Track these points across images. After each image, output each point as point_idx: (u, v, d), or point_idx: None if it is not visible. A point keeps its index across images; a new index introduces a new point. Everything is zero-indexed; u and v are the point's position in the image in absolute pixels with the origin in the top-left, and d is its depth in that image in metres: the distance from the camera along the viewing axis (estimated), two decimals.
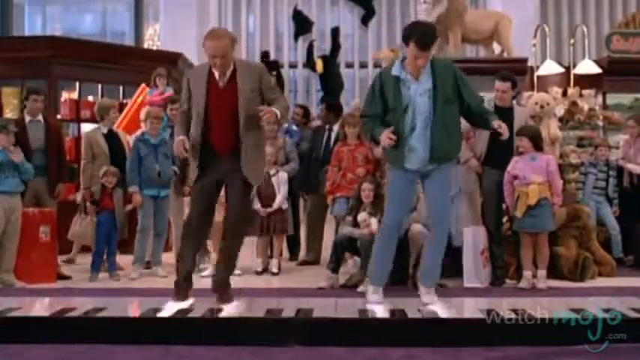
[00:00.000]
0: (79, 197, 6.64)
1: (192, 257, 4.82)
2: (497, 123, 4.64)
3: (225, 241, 4.77)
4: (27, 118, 6.28)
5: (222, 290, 4.73)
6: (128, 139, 7.08)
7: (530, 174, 5.50)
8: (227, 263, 4.80)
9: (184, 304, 4.58)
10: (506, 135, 4.68)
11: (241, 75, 4.56)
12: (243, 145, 4.56)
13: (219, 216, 6.28)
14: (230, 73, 4.56)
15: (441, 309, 4.44)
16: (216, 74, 4.56)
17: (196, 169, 4.65)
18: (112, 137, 6.81)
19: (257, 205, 6.29)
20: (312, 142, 7.23)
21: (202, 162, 4.63)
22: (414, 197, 4.91)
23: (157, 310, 4.46)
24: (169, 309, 4.47)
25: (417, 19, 9.58)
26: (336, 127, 7.13)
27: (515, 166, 5.59)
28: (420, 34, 4.46)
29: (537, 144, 5.61)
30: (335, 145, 6.75)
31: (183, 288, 4.72)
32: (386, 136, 4.53)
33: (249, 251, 6.38)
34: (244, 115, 4.53)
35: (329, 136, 7.11)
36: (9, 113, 8.16)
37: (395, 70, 4.61)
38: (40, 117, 6.32)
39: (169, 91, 7.47)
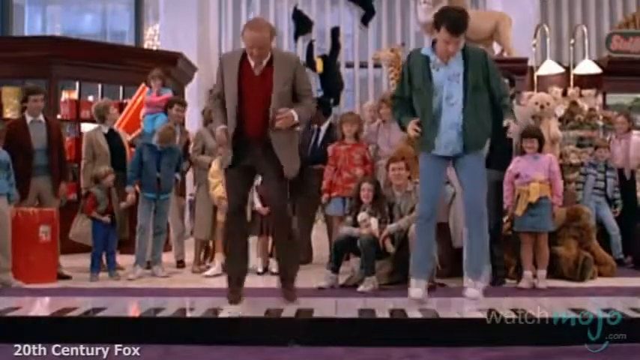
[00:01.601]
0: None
1: (241, 253, 4.77)
2: (507, 122, 4.61)
3: (280, 239, 4.82)
4: (28, 119, 6.28)
5: (288, 287, 4.74)
6: (128, 139, 7.09)
7: (533, 172, 5.52)
8: (290, 258, 4.82)
9: (236, 308, 4.52)
10: (512, 135, 4.69)
11: (277, 65, 4.54)
12: (274, 135, 4.52)
13: (221, 215, 6.30)
14: (266, 62, 4.54)
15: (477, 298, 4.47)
16: (252, 63, 4.54)
17: (230, 155, 4.62)
18: (112, 137, 6.81)
19: (257, 204, 6.28)
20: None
21: (236, 148, 4.60)
22: (443, 184, 4.86)
23: (158, 309, 4.45)
24: (226, 311, 4.43)
25: (417, 18, 9.59)
26: (323, 128, 7.09)
27: (518, 165, 5.61)
28: (451, 19, 4.47)
29: (541, 144, 5.65)
30: (323, 145, 6.75)
31: (235, 290, 4.68)
32: (411, 127, 4.57)
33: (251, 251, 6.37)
34: (277, 104, 4.49)
35: (317, 136, 7.09)
36: (9, 113, 8.17)
37: (424, 51, 4.63)
38: (41, 117, 6.32)
39: (168, 93, 7.47)
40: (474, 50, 4.70)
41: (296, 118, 4.50)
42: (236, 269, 4.75)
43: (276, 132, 4.52)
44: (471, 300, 4.59)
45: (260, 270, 6.39)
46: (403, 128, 4.83)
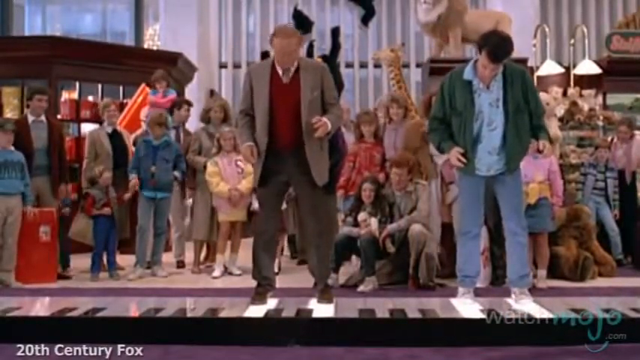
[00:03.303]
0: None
1: (268, 260, 4.75)
2: (542, 143, 4.62)
3: (318, 245, 4.73)
4: (30, 118, 6.30)
5: (322, 290, 4.70)
6: (131, 138, 7.09)
7: (533, 172, 5.52)
8: (322, 265, 4.78)
9: (262, 307, 4.50)
10: (545, 156, 4.73)
11: (304, 73, 4.53)
12: (307, 143, 4.49)
13: (222, 215, 6.31)
14: (294, 70, 4.53)
15: (534, 310, 4.31)
16: (280, 71, 4.52)
17: (261, 170, 4.59)
18: (115, 137, 6.82)
19: (255, 205, 6.28)
20: None
21: (267, 162, 4.57)
22: (483, 199, 4.81)
23: (158, 309, 4.45)
24: (250, 312, 4.42)
25: (417, 18, 9.59)
26: None
27: None
28: (492, 46, 4.38)
29: None
30: None
31: (260, 292, 4.66)
32: (455, 157, 4.55)
33: (249, 251, 6.37)
34: (307, 113, 4.47)
35: None
36: (9, 113, 8.17)
37: (467, 75, 4.54)
38: (43, 117, 6.33)
39: (173, 94, 7.47)
40: (512, 70, 4.58)
41: (329, 127, 4.46)
42: (263, 274, 4.73)
43: (309, 141, 4.49)
44: (520, 307, 4.46)
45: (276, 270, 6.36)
46: (442, 151, 4.83)
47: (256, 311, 4.40)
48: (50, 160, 6.26)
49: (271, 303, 4.63)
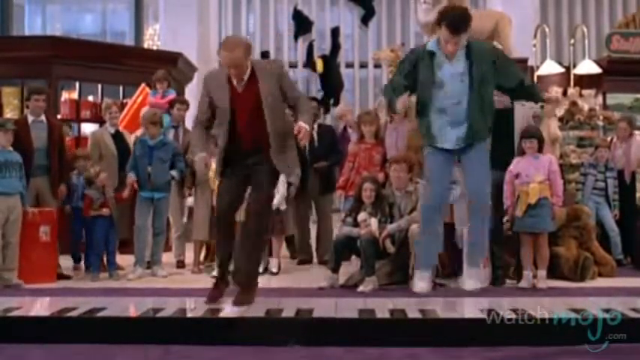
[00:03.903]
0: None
1: (227, 254, 4.80)
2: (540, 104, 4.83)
3: (244, 233, 4.69)
4: (30, 118, 6.29)
5: (242, 289, 4.66)
6: (132, 138, 7.10)
7: (533, 172, 5.52)
8: (248, 257, 4.71)
9: (217, 305, 4.52)
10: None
11: (260, 78, 4.54)
12: (272, 144, 4.55)
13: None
14: (247, 77, 4.54)
15: (472, 283, 4.42)
16: (234, 80, 4.56)
17: (221, 164, 4.67)
18: (118, 138, 6.83)
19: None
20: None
21: (228, 158, 4.65)
22: (450, 176, 4.84)
23: (158, 309, 4.45)
24: (226, 312, 4.44)
25: (417, 18, 9.59)
26: (314, 126, 7.03)
27: (517, 165, 5.61)
28: (451, 18, 4.47)
29: (540, 144, 5.66)
30: (319, 144, 6.76)
31: (216, 288, 4.74)
32: (402, 101, 4.58)
33: None
34: (270, 115, 4.51)
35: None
36: (9, 113, 8.17)
37: (430, 46, 4.61)
38: (43, 117, 6.33)
39: (172, 94, 7.46)
40: (479, 44, 4.65)
41: (308, 129, 4.49)
42: (222, 268, 4.84)
43: (276, 145, 4.55)
44: (465, 281, 4.60)
45: (260, 270, 6.37)
46: (393, 110, 4.87)
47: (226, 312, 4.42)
48: (50, 160, 6.26)
49: (271, 303, 4.63)
